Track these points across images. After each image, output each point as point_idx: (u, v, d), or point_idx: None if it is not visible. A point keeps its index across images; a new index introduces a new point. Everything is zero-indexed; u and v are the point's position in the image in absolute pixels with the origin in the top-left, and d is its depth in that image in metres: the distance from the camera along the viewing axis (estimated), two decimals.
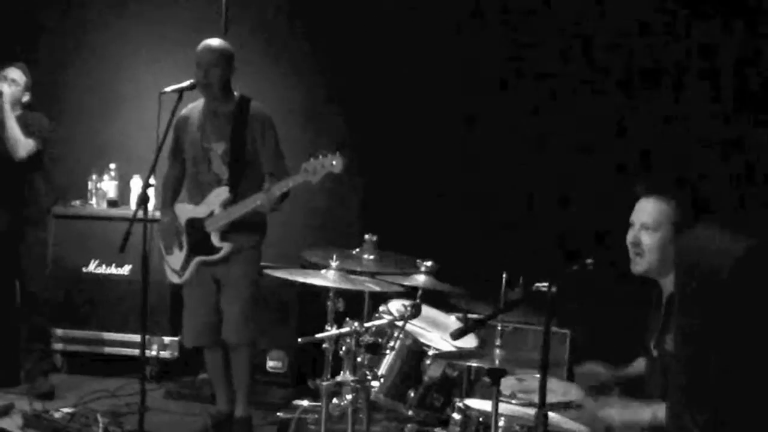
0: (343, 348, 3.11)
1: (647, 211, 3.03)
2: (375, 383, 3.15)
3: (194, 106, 4.14)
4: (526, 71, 4.91)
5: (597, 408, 2.89)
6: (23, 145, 4.52)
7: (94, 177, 5.30)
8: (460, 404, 2.98)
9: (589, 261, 2.62)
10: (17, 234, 4.64)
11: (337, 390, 3.09)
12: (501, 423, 2.78)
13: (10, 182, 4.57)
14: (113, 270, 5.06)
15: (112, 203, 5.26)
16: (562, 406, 2.99)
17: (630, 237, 3.06)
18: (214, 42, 4.06)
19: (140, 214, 3.56)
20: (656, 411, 2.72)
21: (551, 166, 4.83)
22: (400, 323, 3.25)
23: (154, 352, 4.97)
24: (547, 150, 4.84)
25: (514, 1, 4.94)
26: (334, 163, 3.69)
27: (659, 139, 4.66)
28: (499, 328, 2.91)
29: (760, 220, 2.01)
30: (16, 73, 4.62)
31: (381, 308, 3.45)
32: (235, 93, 4.08)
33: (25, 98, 4.67)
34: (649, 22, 4.70)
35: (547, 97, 4.87)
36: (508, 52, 4.91)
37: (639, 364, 3.32)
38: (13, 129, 4.48)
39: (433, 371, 3.21)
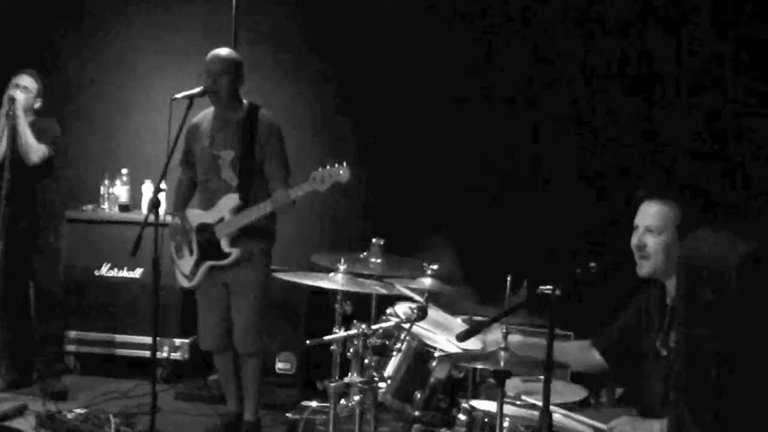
0: (351, 350, 3.13)
1: (650, 214, 3.06)
2: (382, 384, 3.18)
3: (206, 114, 4.17)
4: (529, 77, 4.94)
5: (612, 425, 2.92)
6: (35, 150, 4.56)
7: (106, 182, 5.34)
8: (466, 405, 3.00)
9: (592, 264, 2.65)
10: (30, 238, 4.68)
11: (345, 391, 3.11)
12: (506, 424, 2.81)
13: (23, 187, 4.58)
14: (125, 273, 5.10)
15: (123, 207, 5.30)
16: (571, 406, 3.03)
17: (634, 240, 3.08)
18: (223, 51, 4.09)
19: (151, 218, 3.59)
20: (665, 426, 2.73)
21: (554, 168, 4.86)
22: (406, 325, 3.28)
23: (165, 354, 5.01)
24: (551, 153, 4.87)
25: (523, 10, 4.97)
26: (341, 173, 3.76)
27: (660, 140, 4.69)
28: (503, 330, 2.95)
29: (761, 223, 2.05)
30: (27, 80, 4.65)
31: (388, 311, 3.49)
32: (244, 101, 4.12)
33: (37, 104, 4.70)
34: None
35: (551, 101, 4.90)
36: (512, 59, 4.94)
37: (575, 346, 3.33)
38: (26, 135, 4.52)
39: (439, 372, 3.24)
